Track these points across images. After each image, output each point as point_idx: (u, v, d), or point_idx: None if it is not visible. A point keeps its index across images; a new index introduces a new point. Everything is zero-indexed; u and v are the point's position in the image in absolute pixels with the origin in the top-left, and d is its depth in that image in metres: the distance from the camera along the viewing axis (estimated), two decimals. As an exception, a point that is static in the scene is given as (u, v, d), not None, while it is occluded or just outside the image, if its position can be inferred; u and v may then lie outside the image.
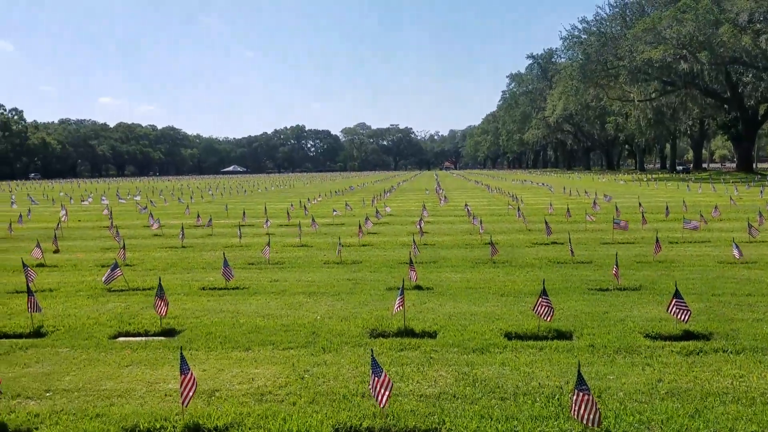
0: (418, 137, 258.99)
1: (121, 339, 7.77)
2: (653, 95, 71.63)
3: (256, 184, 76.80)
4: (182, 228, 17.84)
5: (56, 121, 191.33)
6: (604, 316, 8.21)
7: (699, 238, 15.86)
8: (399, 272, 11.83)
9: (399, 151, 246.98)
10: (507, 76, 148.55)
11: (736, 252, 12.05)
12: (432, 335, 7.53)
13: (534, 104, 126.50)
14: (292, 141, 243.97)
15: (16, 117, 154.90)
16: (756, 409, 5.24)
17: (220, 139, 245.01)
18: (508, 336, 7.41)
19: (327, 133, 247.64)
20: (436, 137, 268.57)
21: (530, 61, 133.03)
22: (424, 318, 8.26)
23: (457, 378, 6.05)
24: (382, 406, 5.01)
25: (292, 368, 6.46)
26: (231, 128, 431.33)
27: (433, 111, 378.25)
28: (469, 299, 9.39)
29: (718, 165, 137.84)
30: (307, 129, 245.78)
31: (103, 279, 10.14)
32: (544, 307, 7.18)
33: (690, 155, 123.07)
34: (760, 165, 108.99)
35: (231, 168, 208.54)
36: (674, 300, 7.26)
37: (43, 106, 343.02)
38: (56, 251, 15.69)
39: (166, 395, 5.81)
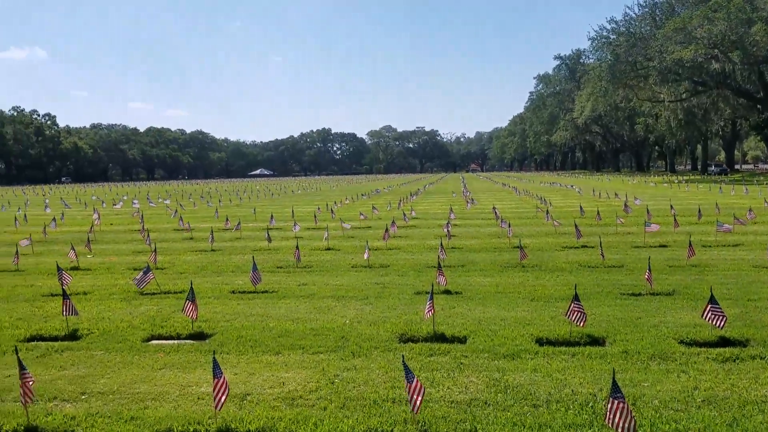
0: (444, 139, 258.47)
1: (154, 342, 7.87)
2: (684, 96, 70.44)
3: (283, 187, 77.35)
4: (212, 231, 18.04)
5: (88, 126, 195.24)
6: (637, 322, 8.08)
7: (733, 241, 15.53)
8: (427, 276, 11.79)
9: (425, 154, 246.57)
10: (534, 78, 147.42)
11: (772, 256, 11.77)
12: (462, 340, 7.49)
13: (562, 105, 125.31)
14: (318, 144, 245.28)
15: (49, 122, 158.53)
16: (797, 419, 5.10)
17: (248, 143, 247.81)
18: (540, 342, 7.33)
19: (353, 136, 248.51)
20: (462, 139, 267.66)
21: (558, 62, 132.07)
22: (453, 323, 8.21)
23: (488, 384, 6.00)
24: (415, 412, 4.99)
25: (322, 373, 6.47)
26: (258, 132, 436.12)
27: (459, 113, 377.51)
28: (498, 304, 9.32)
29: (751, 166, 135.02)
30: (333, 132, 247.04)
31: (136, 282, 10.29)
32: (576, 313, 7.09)
33: (722, 156, 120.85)
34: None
35: (258, 171, 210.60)
36: (709, 305, 7.11)
37: (75, 112, 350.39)
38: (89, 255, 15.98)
39: (198, 398, 5.87)
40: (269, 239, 17.21)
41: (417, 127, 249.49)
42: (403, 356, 5.64)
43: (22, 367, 5.20)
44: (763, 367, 6.32)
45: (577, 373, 6.25)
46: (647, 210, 21.43)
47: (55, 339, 8.05)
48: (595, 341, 7.33)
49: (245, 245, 17.49)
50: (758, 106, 68.55)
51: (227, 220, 23.06)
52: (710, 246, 14.90)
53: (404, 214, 23.86)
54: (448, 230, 17.82)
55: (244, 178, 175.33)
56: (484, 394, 5.77)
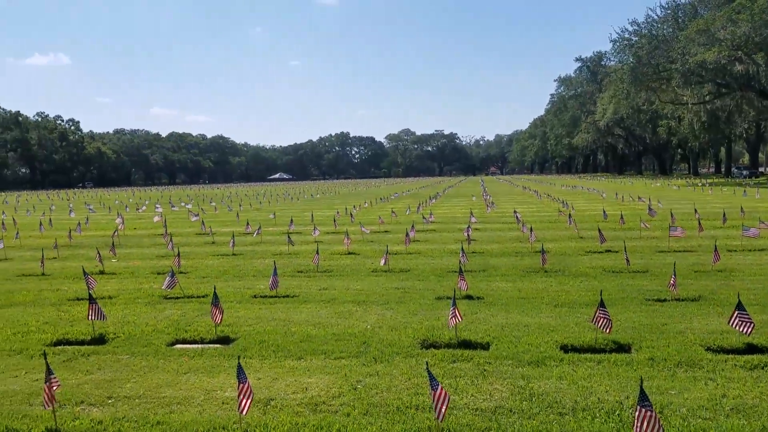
0: (463, 143, 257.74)
1: (179, 346, 7.94)
2: (707, 98, 69.49)
3: (302, 191, 77.70)
4: (233, 236, 18.17)
5: (111, 132, 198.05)
6: (663, 328, 7.97)
7: (759, 246, 15.27)
8: (448, 281, 11.76)
9: (444, 157, 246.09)
10: (555, 80, 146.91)
11: (801, 261, 11.55)
12: (485, 347, 7.44)
13: (583, 108, 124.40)
14: (337, 148, 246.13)
15: (72, 127, 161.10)
16: (831, 430, 4.99)
17: (267, 147, 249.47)
18: (564, 348, 7.25)
19: (371, 139, 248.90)
20: (481, 142, 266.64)
21: (579, 64, 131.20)
22: (475, 329, 8.16)
23: (512, 392, 5.96)
24: (440, 420, 4.96)
25: (344, 378, 6.47)
26: (277, 136, 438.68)
27: (478, 116, 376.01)
28: (521, 310, 9.25)
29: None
30: (351, 136, 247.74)
31: (165, 286, 10.40)
32: (603, 319, 7.01)
33: (746, 159, 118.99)
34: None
35: (277, 175, 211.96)
36: (736, 312, 6.99)
37: (99, 117, 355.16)
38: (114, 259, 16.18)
39: (223, 403, 5.90)
40: (291, 242, 17.28)
41: (436, 131, 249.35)
42: (427, 363, 5.63)
43: (49, 372, 5.27)
44: (794, 375, 6.20)
45: (603, 380, 6.18)
46: (671, 214, 21.14)
47: (81, 343, 8.15)
48: (621, 348, 7.24)
49: (266, 249, 17.58)
50: (783, 108, 67.39)
51: (248, 224, 23.20)
52: (736, 251, 14.67)
53: (424, 218, 23.83)
54: (468, 234, 17.74)
55: (264, 182, 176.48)
56: (509, 401, 5.72)
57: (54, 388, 5.33)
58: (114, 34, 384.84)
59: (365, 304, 10.05)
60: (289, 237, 18.14)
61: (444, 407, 4.92)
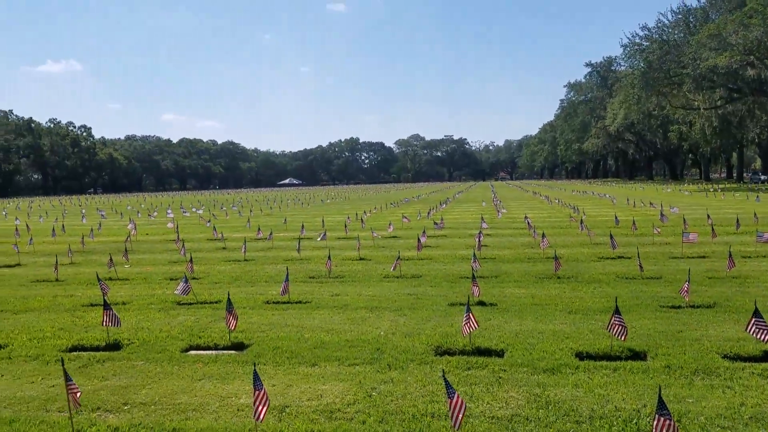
0: (473, 148, 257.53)
1: (193, 352, 7.96)
2: (719, 103, 69.09)
3: (312, 196, 77.85)
4: (245, 241, 18.22)
5: (122, 138, 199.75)
6: (679, 335, 7.91)
7: (775, 252, 15.13)
8: (460, 287, 11.73)
9: (453, 162, 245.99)
10: (564, 86, 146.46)
11: (818, 268, 11.43)
12: (499, 354, 7.41)
13: (593, 113, 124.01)
14: (347, 153, 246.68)
15: (84, 134, 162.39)
16: None
17: (277, 153, 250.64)
18: (580, 356, 7.21)
19: (381, 145, 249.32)
20: (491, 147, 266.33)
21: (589, 70, 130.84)
22: (489, 336, 8.13)
23: (528, 399, 5.92)
24: (456, 428, 4.94)
25: (359, 385, 6.46)
26: (287, 142, 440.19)
27: (487, 121, 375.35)
28: (535, 316, 9.21)
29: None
30: (361, 141, 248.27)
31: (179, 291, 10.44)
32: (618, 326, 6.96)
33: (758, 164, 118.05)
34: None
35: (287, 181, 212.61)
36: (753, 319, 6.93)
37: (111, 123, 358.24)
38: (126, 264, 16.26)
39: (238, 410, 5.90)
40: (299, 250, 17.30)
41: (445, 136, 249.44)
42: (443, 371, 5.61)
43: (68, 379, 5.29)
44: (813, 383, 6.13)
45: (620, 388, 6.13)
46: (684, 219, 20.99)
47: (96, 349, 8.19)
48: (637, 355, 7.19)
49: (277, 255, 17.61)
50: (796, 112, 66.88)
51: (259, 229, 23.27)
52: (750, 257, 14.54)
53: (435, 224, 23.79)
54: (479, 240, 17.69)
55: (274, 188, 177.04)
56: (525, 409, 5.69)
57: (77, 394, 5.36)
58: (126, 42, 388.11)
59: (378, 310, 10.04)
60: (299, 243, 18.16)
61: (460, 415, 4.89)
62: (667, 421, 4.50)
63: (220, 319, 9.50)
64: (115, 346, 8.23)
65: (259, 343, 8.19)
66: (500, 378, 6.54)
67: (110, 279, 13.77)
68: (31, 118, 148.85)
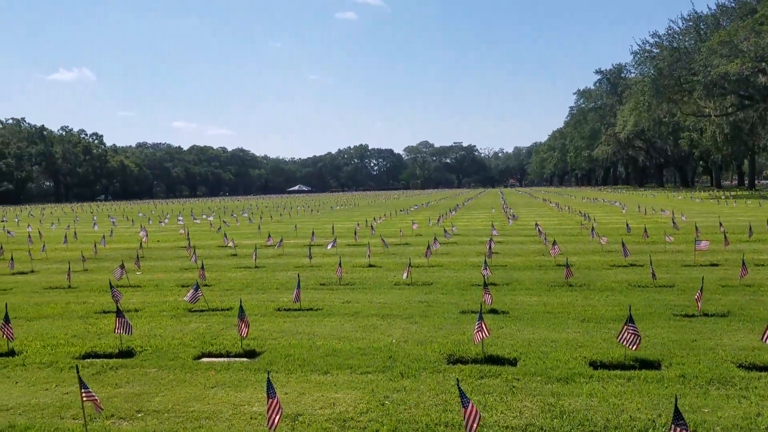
0: (482, 154, 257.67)
1: (205, 360, 7.98)
2: (730, 110, 68.66)
3: (322, 203, 77.98)
4: (255, 248, 18.26)
5: (134, 145, 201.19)
6: (693, 344, 7.85)
7: (789, 260, 15.00)
8: (472, 294, 11.70)
9: (462, 169, 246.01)
10: (574, 93, 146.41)
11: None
12: (512, 362, 7.37)
13: (603, 120, 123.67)
14: (356, 160, 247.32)
15: (96, 141, 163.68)
16: None
17: (287, 160, 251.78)
18: (594, 365, 7.16)
19: (390, 152, 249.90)
20: (500, 154, 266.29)
21: (599, 77, 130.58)
22: (502, 344, 8.10)
23: (542, 409, 5.89)
24: (470, 437, 4.92)
25: (371, 394, 6.45)
26: (297, 149, 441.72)
27: (497, 128, 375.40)
28: (548, 324, 9.16)
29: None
30: (370, 148, 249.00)
31: (188, 299, 10.48)
32: (630, 335, 6.91)
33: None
34: None
35: (296, 187, 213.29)
36: (769, 328, 6.86)
37: (122, 131, 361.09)
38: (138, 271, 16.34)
39: (252, 418, 5.90)
40: (310, 257, 17.33)
41: (454, 143, 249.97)
42: (457, 380, 5.59)
43: (83, 386, 5.32)
44: (831, 393, 6.06)
45: (634, 398, 6.09)
46: (696, 227, 20.86)
47: (109, 356, 8.22)
48: (651, 365, 7.14)
49: (288, 262, 17.65)
50: (808, 119, 66.35)
51: (269, 236, 23.33)
52: (764, 265, 14.42)
53: (445, 231, 23.75)
54: (490, 247, 17.64)
55: (283, 194, 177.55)
56: (540, 419, 5.66)
57: (98, 401, 5.38)
58: (137, 50, 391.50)
59: (389, 317, 10.03)
60: (309, 250, 18.19)
61: (475, 425, 4.87)
62: (684, 432, 4.46)
63: (232, 326, 9.52)
64: (128, 353, 8.26)
65: (271, 350, 8.20)
66: (514, 387, 6.50)
67: (122, 286, 13.83)
68: (43, 125, 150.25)
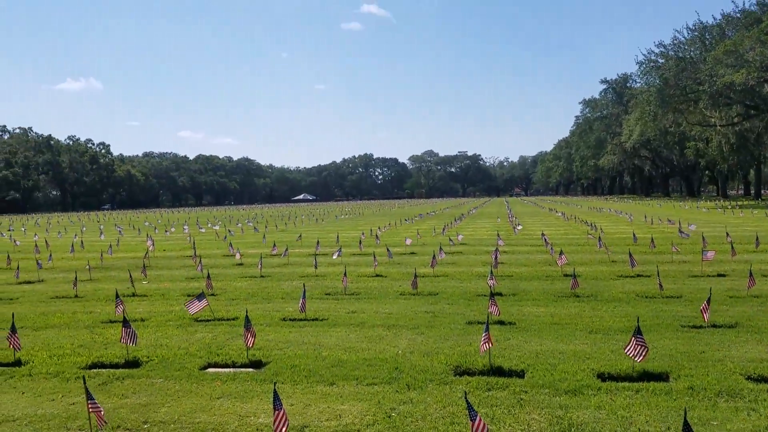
0: (487, 164, 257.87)
1: (211, 370, 7.96)
2: (736, 120, 68.57)
3: (326, 212, 78.04)
4: (261, 258, 18.26)
5: (140, 155, 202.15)
6: (701, 356, 7.79)
7: (797, 271, 14.89)
8: (477, 305, 11.66)
9: (467, 178, 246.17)
10: (580, 102, 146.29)
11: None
12: (520, 374, 7.33)
13: (609, 129, 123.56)
14: (360, 169, 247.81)
15: (103, 151, 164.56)
16: None
17: (292, 169, 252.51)
18: (602, 377, 7.11)
19: (394, 161, 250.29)
20: (505, 163, 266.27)
21: (604, 86, 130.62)
22: (509, 355, 8.05)
23: (551, 422, 5.84)
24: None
25: (378, 405, 6.42)
26: (302, 158, 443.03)
27: (502, 137, 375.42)
28: (555, 336, 9.11)
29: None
30: (375, 157, 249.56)
31: (187, 307, 10.46)
32: (638, 347, 6.87)
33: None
34: None
35: (301, 196, 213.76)
36: (779, 340, 6.81)
37: (129, 140, 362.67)
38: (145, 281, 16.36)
39: (257, 429, 5.88)
40: (315, 266, 17.32)
41: (459, 152, 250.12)
42: (465, 393, 5.54)
43: (90, 397, 5.31)
44: (842, 407, 6.00)
45: (643, 410, 6.04)
46: (703, 237, 20.76)
47: (115, 366, 8.22)
48: (659, 377, 7.09)
49: (293, 271, 17.64)
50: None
51: (274, 245, 23.34)
52: (772, 276, 14.33)
53: (450, 240, 23.72)
54: (496, 257, 17.59)
55: (288, 203, 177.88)
56: (548, 432, 5.62)
57: (101, 411, 5.37)
58: (144, 60, 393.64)
59: (395, 328, 9.99)
60: (315, 259, 18.18)
61: (483, 438, 4.84)
62: (694, 446, 4.42)
63: (238, 336, 9.51)
64: (134, 364, 8.26)
65: (277, 361, 8.18)
66: (521, 399, 6.46)
67: (129, 296, 13.85)
68: (50, 135, 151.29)
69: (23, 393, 7.18)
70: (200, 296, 10.42)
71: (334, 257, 19.69)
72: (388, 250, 20.02)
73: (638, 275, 14.86)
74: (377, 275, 16.20)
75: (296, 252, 23.27)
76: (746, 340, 8.54)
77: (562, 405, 6.26)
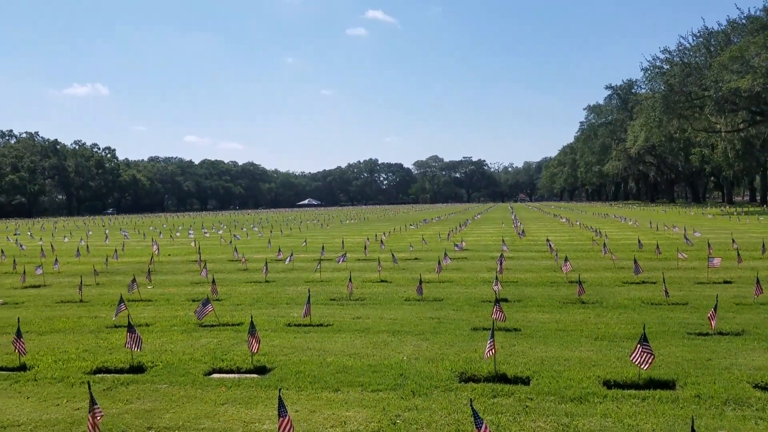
0: (492, 169, 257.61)
1: (215, 376, 7.95)
2: (741, 126, 68.44)
3: (331, 217, 78.07)
4: (266, 263, 18.28)
5: (146, 159, 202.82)
6: (708, 364, 7.75)
7: (804, 278, 14.80)
8: (483, 311, 11.63)
9: (471, 184, 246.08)
10: (584, 108, 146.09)
11: None
12: (525, 381, 7.30)
13: (614, 135, 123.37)
14: (365, 174, 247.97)
15: (108, 155, 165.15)
16: None
17: (297, 174, 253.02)
18: (607, 384, 7.08)
19: (399, 166, 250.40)
20: (510, 169, 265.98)
21: (609, 92, 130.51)
22: (514, 362, 8.03)
23: (556, 429, 5.81)
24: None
25: (383, 412, 6.40)
26: (307, 163, 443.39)
27: (506, 143, 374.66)
28: (560, 342, 9.08)
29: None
30: (379, 162, 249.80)
31: (196, 314, 10.47)
32: (643, 354, 6.83)
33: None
34: None
35: (306, 201, 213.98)
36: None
37: (134, 145, 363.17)
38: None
39: (262, 436, 5.87)
40: (319, 269, 17.31)
41: (464, 157, 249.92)
42: (471, 401, 5.52)
43: (93, 402, 5.31)
44: None
45: (650, 418, 6.00)
46: (708, 244, 20.68)
47: (120, 371, 8.22)
48: (665, 384, 7.04)
49: (298, 276, 17.64)
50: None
51: (279, 250, 23.35)
52: (779, 282, 14.24)
53: (456, 245, 23.70)
54: (501, 263, 17.55)
55: (293, 208, 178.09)
56: (553, 439, 5.59)
57: (98, 417, 5.37)
58: (150, 65, 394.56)
59: (400, 334, 9.98)
60: (319, 263, 18.18)
61: (488, 445, 4.81)
62: (701, 455, 4.39)
63: (242, 341, 9.50)
64: (138, 369, 8.26)
65: (282, 366, 8.16)
66: (527, 407, 6.43)
67: (132, 300, 13.87)
68: (56, 139, 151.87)
69: (28, 398, 7.18)
70: (205, 302, 10.43)
71: (339, 262, 19.69)
72: (393, 255, 20.00)
73: (644, 282, 14.80)
74: (382, 281, 16.19)
75: (301, 257, 23.28)
76: (753, 348, 8.50)
77: (568, 412, 6.22)
